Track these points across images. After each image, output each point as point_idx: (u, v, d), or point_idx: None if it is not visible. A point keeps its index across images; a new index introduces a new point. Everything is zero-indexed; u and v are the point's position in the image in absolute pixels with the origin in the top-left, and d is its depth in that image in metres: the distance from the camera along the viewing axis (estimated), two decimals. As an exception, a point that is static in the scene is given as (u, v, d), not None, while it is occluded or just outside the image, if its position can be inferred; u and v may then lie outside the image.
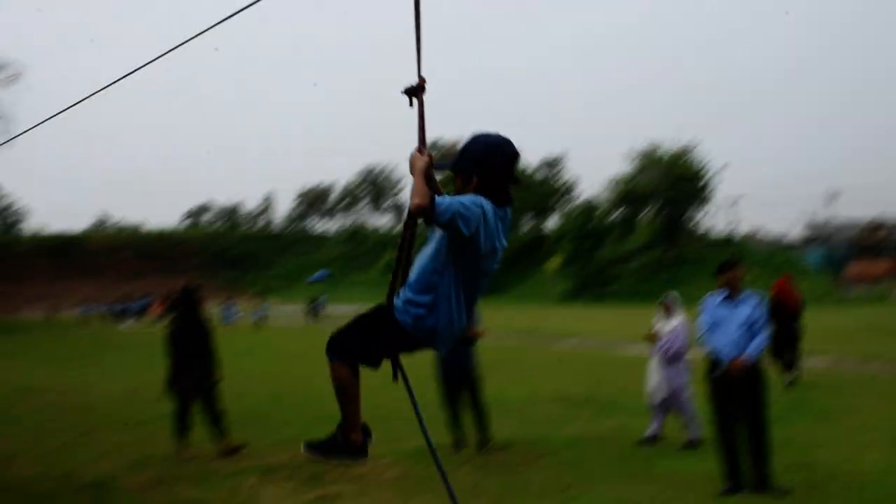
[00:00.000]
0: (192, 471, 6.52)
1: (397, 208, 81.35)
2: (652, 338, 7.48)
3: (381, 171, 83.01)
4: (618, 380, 11.75)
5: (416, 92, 2.31)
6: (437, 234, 2.28)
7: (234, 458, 7.00)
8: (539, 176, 63.56)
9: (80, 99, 3.88)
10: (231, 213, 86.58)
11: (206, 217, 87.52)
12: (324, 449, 2.60)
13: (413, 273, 2.35)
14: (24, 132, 5.13)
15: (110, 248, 69.66)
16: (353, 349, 2.38)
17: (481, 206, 2.16)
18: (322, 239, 79.98)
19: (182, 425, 7.10)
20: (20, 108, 52.23)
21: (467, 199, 2.15)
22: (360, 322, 2.42)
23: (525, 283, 53.15)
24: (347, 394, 2.44)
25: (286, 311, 38.96)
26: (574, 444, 7.38)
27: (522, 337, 21.62)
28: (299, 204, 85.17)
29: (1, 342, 24.83)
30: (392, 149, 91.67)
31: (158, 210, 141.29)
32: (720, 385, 5.68)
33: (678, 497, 5.53)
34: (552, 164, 66.78)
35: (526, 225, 62.30)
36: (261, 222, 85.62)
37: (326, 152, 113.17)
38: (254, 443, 7.68)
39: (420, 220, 2.19)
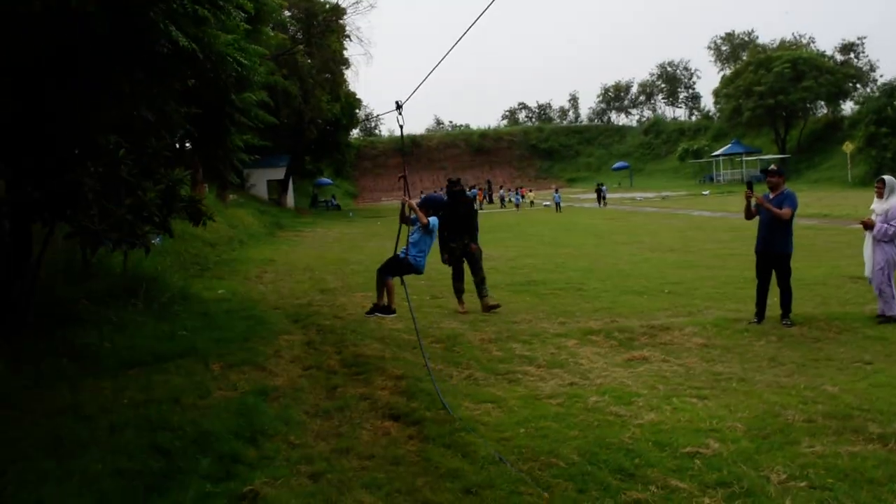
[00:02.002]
0: (522, 330, 7.20)
1: (692, 100, 74.05)
2: (868, 223, 7.08)
3: (676, 67, 76.02)
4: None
5: (404, 178, 5.75)
6: (420, 230, 6.11)
7: (554, 322, 7.54)
8: (833, 62, 51.77)
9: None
10: (542, 111, 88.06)
11: (521, 116, 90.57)
12: (370, 311, 6.31)
13: (415, 244, 6.10)
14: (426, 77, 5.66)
15: (445, 145, 76.79)
16: (387, 270, 6.09)
17: (437, 223, 6.24)
18: (622, 131, 76.80)
19: (458, 286, 8.08)
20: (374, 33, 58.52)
21: (434, 220, 6.19)
22: (389, 261, 6.14)
23: (819, 168, 45.17)
24: (379, 286, 6.19)
25: (582, 198, 39.19)
26: (874, 322, 6.78)
27: (818, 220, 19.67)
28: (601, 100, 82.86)
29: (372, 224, 29.76)
30: (684, 47, 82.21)
31: (482, 111, 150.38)
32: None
33: None
34: (848, 49, 54.82)
35: (819, 111, 52.00)
36: (568, 118, 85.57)
37: (626, 51, 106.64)
38: (571, 309, 8.22)
39: (419, 226, 6.07)
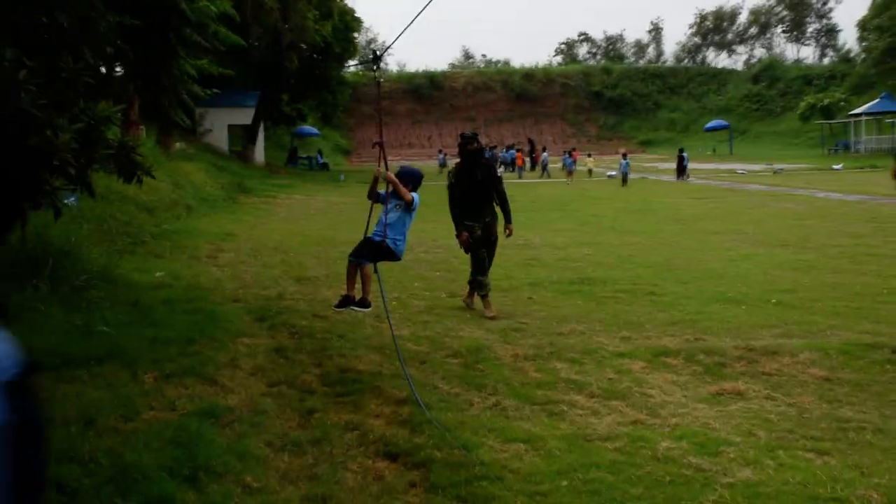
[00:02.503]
0: (570, 345, 7.19)
1: (826, 35, 72.67)
2: None
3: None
4: None
5: (380, 145, 6.48)
6: (402, 208, 6.66)
7: (615, 336, 7.51)
8: None
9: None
10: (611, 46, 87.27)
11: (581, 51, 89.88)
12: (339, 304, 6.77)
13: (393, 226, 6.60)
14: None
15: (475, 87, 76.52)
16: (360, 254, 6.56)
17: (419, 201, 6.77)
18: (722, 77, 75.97)
19: (478, 281, 8.56)
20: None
21: (416, 196, 6.75)
22: (363, 244, 6.62)
23: None
24: (351, 274, 6.64)
25: (660, 168, 38.93)
26: None
27: None
28: (695, 33, 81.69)
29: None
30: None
31: (528, 43, 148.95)
32: None
33: None
34: None
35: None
36: (646, 57, 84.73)
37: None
38: (639, 320, 8.18)
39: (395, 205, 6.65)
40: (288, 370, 6.28)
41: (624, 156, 34.97)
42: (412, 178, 6.95)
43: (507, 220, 9.00)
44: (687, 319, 8.19)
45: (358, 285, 6.66)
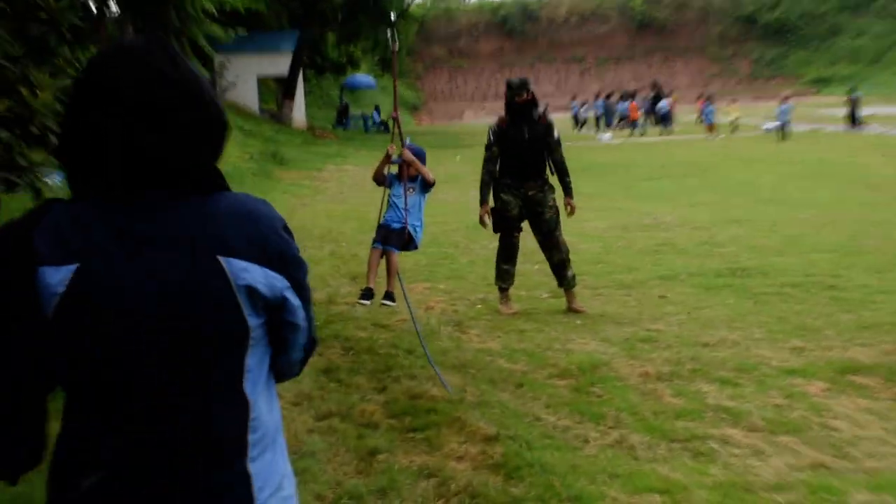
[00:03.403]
0: (719, 360, 7.12)
1: None
2: None
3: None
4: None
5: (395, 120, 7.91)
6: (416, 190, 8.03)
7: (782, 347, 7.35)
8: None
9: None
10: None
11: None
12: (362, 296, 8.05)
13: (412, 211, 7.96)
14: None
15: (582, 18, 75.98)
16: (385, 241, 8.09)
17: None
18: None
19: (504, 270, 9.11)
20: None
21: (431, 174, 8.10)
22: (383, 233, 8.12)
23: None
24: (372, 266, 8.08)
25: (838, 115, 37.87)
26: None
27: None
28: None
29: (446, 159, 29.99)
30: None
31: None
32: None
33: None
34: None
35: None
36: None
37: None
38: (815, 324, 8.03)
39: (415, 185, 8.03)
40: (342, 398, 6.34)
41: (784, 100, 34.14)
42: (419, 158, 7.91)
43: (567, 194, 9.08)
44: (884, 323, 8.03)
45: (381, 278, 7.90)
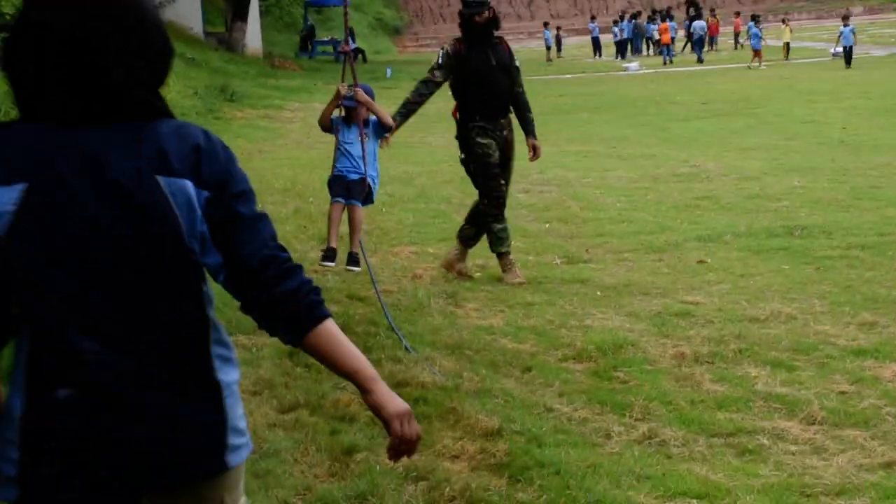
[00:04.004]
0: (769, 337, 7.13)
1: None
2: None
3: None
4: None
5: (346, 54, 8.74)
6: (369, 135, 8.88)
7: (849, 323, 7.39)
8: None
9: None
10: None
11: None
12: (324, 258, 8.91)
13: (370, 159, 8.88)
14: None
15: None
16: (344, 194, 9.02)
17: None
18: None
19: (469, 231, 9.42)
20: None
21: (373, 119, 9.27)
22: (338, 185, 9.02)
23: None
24: (333, 222, 8.92)
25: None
26: None
27: None
28: None
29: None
30: None
31: None
32: None
33: None
34: None
35: None
36: None
37: None
38: (894, 295, 8.06)
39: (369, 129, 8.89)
40: (311, 386, 6.35)
41: (845, 19, 34.08)
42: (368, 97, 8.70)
43: (532, 133, 9.20)
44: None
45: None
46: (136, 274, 2.29)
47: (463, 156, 9.02)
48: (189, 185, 2.31)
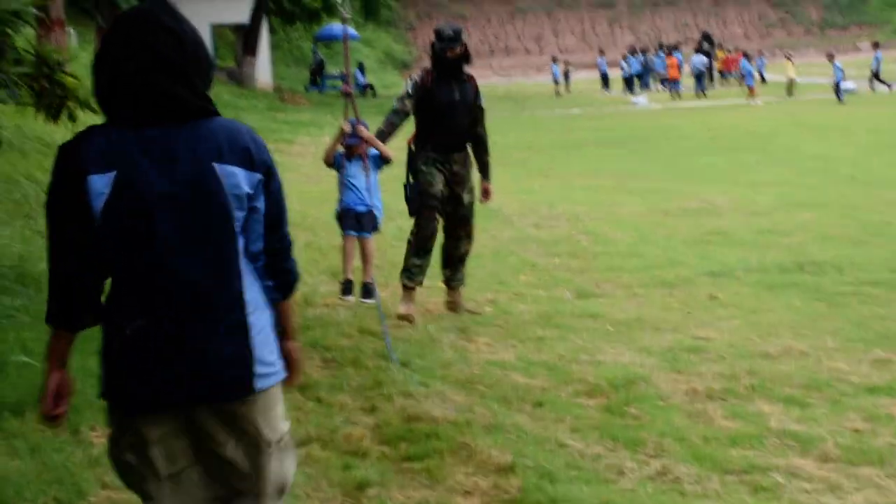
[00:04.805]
0: (781, 374, 7.13)
1: None
2: None
3: None
4: None
5: (348, 95, 9.50)
6: (371, 168, 9.50)
7: (863, 360, 7.37)
8: None
9: None
10: None
11: None
12: (344, 291, 9.68)
13: (374, 190, 9.64)
14: None
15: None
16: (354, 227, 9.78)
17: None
18: None
19: (415, 263, 9.40)
20: None
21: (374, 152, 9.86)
22: (347, 218, 9.74)
23: None
24: (348, 255, 9.75)
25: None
26: None
27: None
28: None
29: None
30: None
31: None
32: None
33: None
34: None
35: None
36: None
37: None
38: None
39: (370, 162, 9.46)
40: (322, 420, 6.34)
41: (831, 58, 34.38)
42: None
43: (484, 176, 9.22)
44: None
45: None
46: (193, 238, 3.09)
47: (405, 182, 8.98)
48: (238, 171, 3.13)
